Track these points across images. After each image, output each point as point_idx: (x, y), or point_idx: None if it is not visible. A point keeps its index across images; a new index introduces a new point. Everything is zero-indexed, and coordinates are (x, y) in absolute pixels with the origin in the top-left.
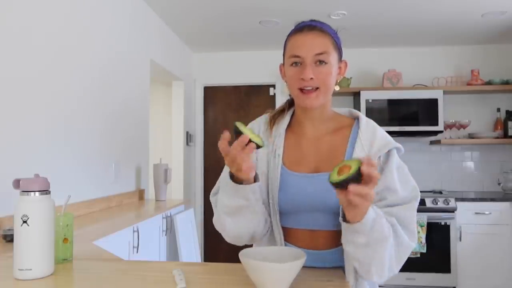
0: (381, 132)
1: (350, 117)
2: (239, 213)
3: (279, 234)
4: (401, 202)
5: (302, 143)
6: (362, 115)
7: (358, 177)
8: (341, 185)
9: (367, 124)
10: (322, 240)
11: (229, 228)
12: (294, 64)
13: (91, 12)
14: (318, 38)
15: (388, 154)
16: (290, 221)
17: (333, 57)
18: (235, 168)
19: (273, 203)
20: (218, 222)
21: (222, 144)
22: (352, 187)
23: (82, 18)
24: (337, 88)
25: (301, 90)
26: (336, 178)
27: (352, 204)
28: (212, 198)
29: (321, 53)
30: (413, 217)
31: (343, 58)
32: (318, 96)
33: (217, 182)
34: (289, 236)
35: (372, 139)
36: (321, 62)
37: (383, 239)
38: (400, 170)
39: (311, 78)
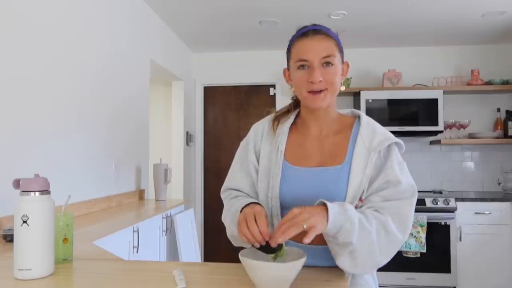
0: (381, 129)
1: (352, 116)
2: None
3: None
4: (400, 196)
5: (306, 141)
6: (363, 114)
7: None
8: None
9: (367, 122)
10: (319, 235)
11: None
12: (301, 68)
13: (91, 12)
14: (324, 41)
15: (388, 149)
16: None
17: (338, 59)
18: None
19: (275, 198)
20: (225, 224)
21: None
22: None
23: (82, 18)
24: (342, 88)
25: (309, 92)
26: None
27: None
28: (222, 194)
29: (327, 56)
30: (410, 213)
31: (344, 60)
32: (326, 96)
33: (228, 177)
34: None
35: (372, 134)
36: (327, 64)
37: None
38: (401, 165)
39: (320, 81)
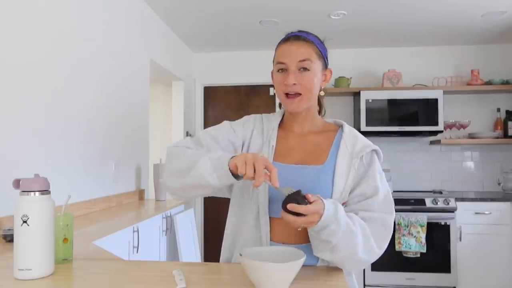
0: (363, 137)
1: (335, 124)
2: (200, 189)
3: (265, 224)
4: (381, 209)
5: (289, 137)
6: (345, 123)
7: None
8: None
9: (350, 130)
10: (300, 233)
11: (177, 185)
12: (280, 71)
13: (91, 12)
14: (303, 47)
15: (371, 158)
16: (274, 211)
17: (316, 65)
18: (250, 174)
19: (264, 191)
20: (173, 173)
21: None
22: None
23: (82, 19)
24: (322, 93)
25: (286, 94)
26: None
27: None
28: (173, 148)
29: (304, 60)
30: (389, 223)
31: (329, 66)
32: (301, 101)
33: (193, 139)
34: (272, 226)
35: (354, 141)
36: (304, 69)
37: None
38: (381, 175)
39: (294, 84)
